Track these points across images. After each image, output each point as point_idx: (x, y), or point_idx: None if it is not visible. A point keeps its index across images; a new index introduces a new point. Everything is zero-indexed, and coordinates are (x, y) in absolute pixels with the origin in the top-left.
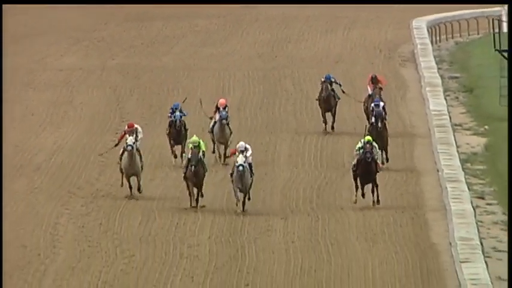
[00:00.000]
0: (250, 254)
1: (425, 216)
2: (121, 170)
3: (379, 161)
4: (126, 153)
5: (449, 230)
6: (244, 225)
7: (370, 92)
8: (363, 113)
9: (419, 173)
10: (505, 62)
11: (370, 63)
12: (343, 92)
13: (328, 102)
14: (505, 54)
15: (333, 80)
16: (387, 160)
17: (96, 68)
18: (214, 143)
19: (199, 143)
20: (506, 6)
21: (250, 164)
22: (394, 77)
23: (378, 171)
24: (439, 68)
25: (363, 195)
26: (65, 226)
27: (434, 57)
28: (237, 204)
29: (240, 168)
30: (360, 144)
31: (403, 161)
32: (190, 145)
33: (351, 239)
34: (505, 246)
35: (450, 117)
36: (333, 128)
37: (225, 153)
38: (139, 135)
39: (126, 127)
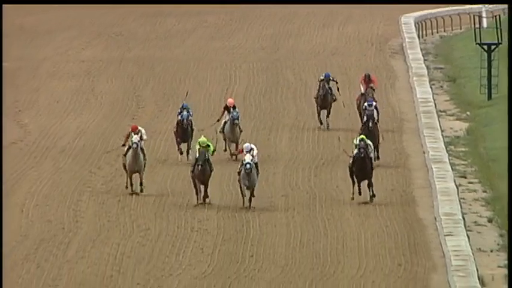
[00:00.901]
0: (255, 227)
1: (412, 194)
2: (124, 167)
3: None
4: (130, 150)
5: (434, 206)
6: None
7: (362, 91)
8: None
9: (407, 154)
10: (485, 54)
11: (363, 55)
12: (338, 89)
13: (325, 100)
14: (485, 47)
15: (331, 78)
16: (378, 158)
17: (114, 60)
18: (225, 141)
19: (207, 144)
20: (486, 5)
21: (256, 164)
22: (385, 68)
23: (373, 168)
24: (425, 60)
25: (360, 192)
26: (87, 203)
27: (421, 49)
28: (243, 203)
29: (248, 166)
30: (355, 142)
31: (392, 143)
32: (198, 146)
33: (346, 214)
34: (485, 221)
35: (435, 104)
36: (328, 126)
37: (236, 150)
38: (144, 137)
39: (130, 129)
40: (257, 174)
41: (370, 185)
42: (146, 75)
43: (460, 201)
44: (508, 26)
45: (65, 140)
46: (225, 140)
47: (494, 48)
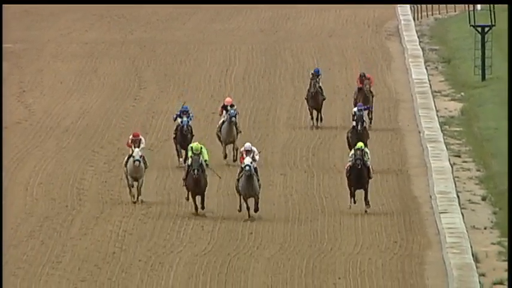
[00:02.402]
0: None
1: (408, 173)
2: (126, 175)
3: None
4: (130, 160)
5: (429, 184)
6: None
7: (359, 85)
8: (353, 81)
9: (403, 134)
10: (479, 36)
11: (360, 37)
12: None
13: (316, 100)
14: (479, 29)
15: (320, 74)
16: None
17: (117, 42)
18: (222, 144)
19: (201, 149)
20: None
21: (256, 169)
22: (381, 49)
23: (371, 177)
24: (420, 42)
25: (355, 201)
26: (90, 181)
27: (416, 31)
28: (239, 210)
29: (247, 168)
30: (352, 151)
31: (388, 123)
32: (190, 152)
33: (342, 192)
34: (479, 199)
35: (430, 85)
36: (321, 120)
37: (236, 151)
38: (142, 145)
39: (132, 136)
40: (258, 181)
41: (365, 194)
42: (148, 56)
43: (454, 179)
44: (508, 26)
45: (68, 120)
46: (221, 142)
47: (488, 30)
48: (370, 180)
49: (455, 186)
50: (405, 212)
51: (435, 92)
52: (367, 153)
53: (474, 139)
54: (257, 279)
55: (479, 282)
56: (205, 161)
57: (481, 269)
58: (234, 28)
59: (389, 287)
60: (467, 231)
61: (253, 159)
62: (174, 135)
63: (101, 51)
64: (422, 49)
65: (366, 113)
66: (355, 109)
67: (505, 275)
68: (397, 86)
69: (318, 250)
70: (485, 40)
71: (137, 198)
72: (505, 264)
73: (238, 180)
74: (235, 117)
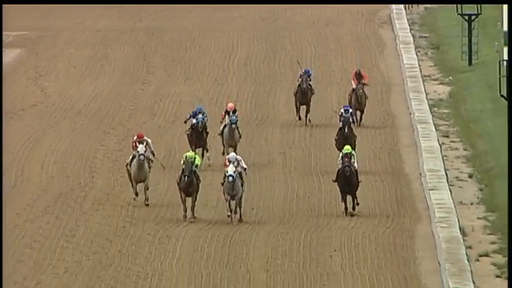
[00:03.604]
0: (255, 182)
1: (399, 152)
2: (129, 175)
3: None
4: (135, 160)
5: (419, 162)
6: (249, 157)
7: (354, 86)
8: (348, 66)
9: (395, 115)
10: (466, 24)
11: (354, 25)
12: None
13: (305, 95)
14: (466, 17)
15: (310, 74)
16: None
17: (127, 29)
18: (224, 146)
19: (195, 158)
20: None
21: (240, 174)
22: (374, 37)
23: (360, 182)
24: (411, 29)
25: (346, 207)
26: (101, 160)
27: (407, 20)
28: (228, 216)
29: (230, 179)
30: (341, 156)
31: (381, 106)
32: (183, 160)
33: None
34: (465, 177)
35: (420, 70)
36: (309, 120)
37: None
38: (151, 148)
39: (136, 137)
40: (242, 185)
41: (354, 197)
42: (155, 43)
43: (443, 158)
44: (508, 26)
45: (81, 102)
46: (223, 144)
47: (474, 19)
48: (359, 184)
49: (444, 164)
50: (397, 189)
51: (425, 76)
52: (354, 155)
53: (461, 120)
54: (258, 251)
55: (466, 254)
56: (196, 166)
57: (467, 242)
58: (236, 17)
59: (381, 259)
60: (454, 206)
61: (242, 168)
62: (188, 133)
63: (111, 39)
64: (413, 36)
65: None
66: (342, 110)
67: (491, 247)
68: (389, 70)
69: (315, 224)
70: (472, 27)
71: (146, 201)
72: (491, 238)
73: (222, 184)
74: (235, 123)
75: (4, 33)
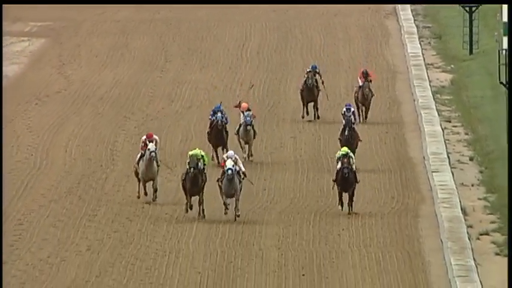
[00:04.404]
0: (267, 164)
1: (404, 136)
2: (137, 174)
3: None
4: (143, 159)
5: (423, 146)
6: (262, 141)
7: (360, 84)
8: (356, 55)
9: (400, 102)
10: (467, 15)
11: (362, 16)
12: (323, 83)
13: (312, 92)
14: (467, 8)
15: (317, 70)
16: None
17: (145, 20)
18: (240, 143)
19: (202, 156)
20: None
21: (238, 172)
22: (380, 27)
23: (358, 182)
24: (415, 20)
25: (342, 203)
26: (122, 143)
27: (411, 11)
28: (225, 213)
29: (229, 172)
30: (338, 155)
31: (386, 92)
32: (188, 160)
33: None
34: (467, 159)
35: (424, 58)
36: (318, 117)
37: (249, 152)
38: (157, 145)
39: (145, 137)
40: (240, 182)
41: (351, 199)
42: (173, 33)
43: (445, 142)
44: (508, 26)
45: (102, 89)
46: (239, 141)
47: (475, 10)
48: (356, 184)
49: (446, 148)
50: (401, 171)
51: (428, 64)
52: (352, 157)
53: (463, 106)
54: (270, 230)
55: (467, 233)
56: (205, 164)
57: (468, 221)
58: (249, 8)
59: (387, 237)
60: (456, 188)
61: (240, 169)
62: (208, 131)
63: (131, 29)
64: (417, 26)
65: (363, 108)
66: (344, 109)
67: (490, 226)
68: (394, 59)
69: (324, 205)
70: (473, 18)
71: (153, 198)
72: (490, 217)
73: (219, 180)
74: (250, 124)
75: (30, 23)
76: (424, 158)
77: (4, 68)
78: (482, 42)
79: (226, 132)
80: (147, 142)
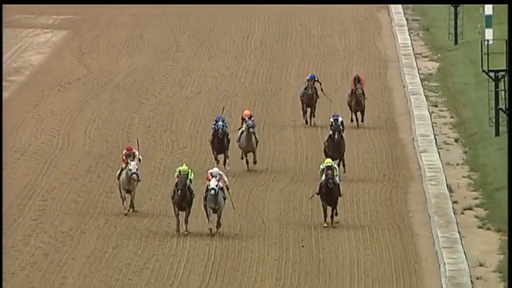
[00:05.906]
0: (269, 145)
1: (395, 119)
2: (119, 187)
3: (339, 179)
4: (124, 174)
5: (412, 129)
6: (265, 124)
7: (352, 87)
8: (351, 45)
9: (391, 88)
10: (453, 8)
11: (356, 9)
12: (322, 90)
13: (311, 99)
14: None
15: (316, 79)
16: (344, 170)
17: (158, 14)
18: (241, 151)
19: (188, 172)
20: None
21: (222, 188)
22: (372, 19)
23: (341, 195)
24: (405, 13)
25: (326, 217)
26: (136, 126)
27: (402, 5)
28: (210, 229)
29: (212, 192)
30: (322, 166)
31: (378, 79)
32: (176, 173)
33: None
34: (452, 141)
35: (413, 48)
36: (314, 123)
37: (254, 159)
38: (136, 159)
39: (126, 150)
40: (224, 199)
41: (333, 211)
42: (183, 25)
43: (432, 125)
44: (508, 26)
45: (119, 77)
46: (241, 148)
47: (459, 4)
48: (339, 198)
49: (433, 130)
50: (392, 151)
51: (417, 54)
52: (336, 169)
53: (448, 92)
54: (272, 206)
55: (453, 208)
56: (190, 180)
57: (453, 198)
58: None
59: (379, 212)
60: (442, 166)
61: (224, 183)
62: (210, 139)
63: (145, 21)
64: (407, 19)
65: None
66: (332, 119)
67: (473, 202)
68: (386, 49)
69: None
70: (458, 12)
71: (130, 209)
72: (473, 194)
73: (204, 198)
74: (253, 127)
75: (53, 17)
76: (413, 139)
77: (30, 58)
78: (466, 34)
79: (228, 140)
80: (127, 157)
